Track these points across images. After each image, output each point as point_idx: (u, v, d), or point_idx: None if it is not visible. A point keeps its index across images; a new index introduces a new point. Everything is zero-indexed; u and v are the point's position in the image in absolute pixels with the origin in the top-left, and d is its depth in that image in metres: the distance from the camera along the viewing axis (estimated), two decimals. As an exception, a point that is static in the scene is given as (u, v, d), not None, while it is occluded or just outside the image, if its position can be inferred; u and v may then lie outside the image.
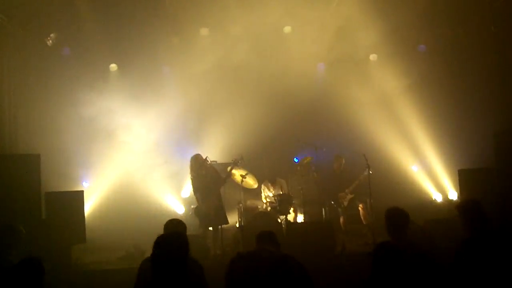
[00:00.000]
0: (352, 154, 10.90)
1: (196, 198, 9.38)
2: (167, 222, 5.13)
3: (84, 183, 11.09)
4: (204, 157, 9.36)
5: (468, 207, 4.65)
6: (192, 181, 9.38)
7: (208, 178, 9.29)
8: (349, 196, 10.51)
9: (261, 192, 10.77)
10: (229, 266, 4.44)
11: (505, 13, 10.77)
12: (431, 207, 11.20)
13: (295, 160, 11.88)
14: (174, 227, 4.99)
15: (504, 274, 4.22)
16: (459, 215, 4.66)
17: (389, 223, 4.73)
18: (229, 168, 9.43)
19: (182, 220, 5.30)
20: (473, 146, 10.75)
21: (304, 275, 4.25)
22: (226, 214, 9.34)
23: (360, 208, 10.28)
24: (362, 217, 10.28)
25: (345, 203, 10.56)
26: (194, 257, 4.75)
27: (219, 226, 9.17)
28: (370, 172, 9.64)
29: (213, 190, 9.24)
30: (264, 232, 5.06)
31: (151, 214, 10.21)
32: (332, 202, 10.63)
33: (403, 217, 4.77)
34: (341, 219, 10.60)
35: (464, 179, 9.72)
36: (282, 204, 9.89)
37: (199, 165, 9.28)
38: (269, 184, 10.72)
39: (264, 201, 10.57)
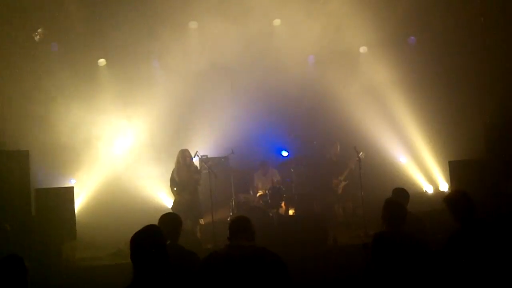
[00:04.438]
0: (343, 147, 10.96)
1: (172, 191, 9.70)
2: (161, 216, 4.96)
3: (71, 181, 10.99)
4: (192, 153, 9.66)
5: (455, 199, 4.65)
6: (172, 172, 9.71)
7: (184, 173, 9.56)
8: (343, 183, 10.57)
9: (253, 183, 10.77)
10: (201, 266, 4.12)
11: (494, 5, 10.79)
12: (422, 199, 11.20)
13: (284, 153, 11.88)
14: (169, 221, 4.87)
15: (493, 264, 4.23)
16: (447, 207, 4.66)
17: (387, 213, 4.71)
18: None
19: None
20: (464, 138, 10.76)
21: (279, 270, 4.01)
22: (201, 209, 9.59)
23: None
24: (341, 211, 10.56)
25: (339, 191, 10.61)
26: (190, 250, 4.76)
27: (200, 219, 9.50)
28: (360, 155, 9.67)
29: (186, 185, 9.52)
30: (235, 223, 4.33)
31: (142, 210, 10.15)
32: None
33: (401, 208, 4.77)
34: (336, 206, 10.63)
35: (454, 170, 9.76)
36: (273, 197, 9.89)
37: (182, 160, 9.58)
38: (261, 176, 10.69)
39: (251, 192, 10.62)
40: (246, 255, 4.00)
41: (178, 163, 9.65)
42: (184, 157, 9.58)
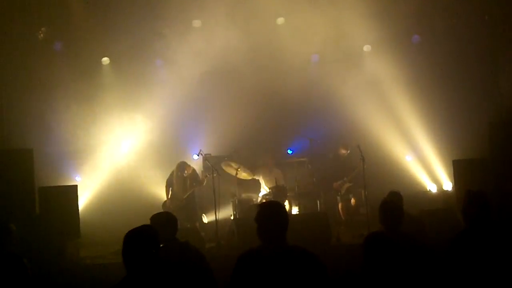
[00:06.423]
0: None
1: (166, 192, 10.12)
2: (153, 216, 4.81)
3: (76, 178, 11.02)
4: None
5: (478, 198, 4.52)
6: (170, 175, 10.14)
7: (179, 184, 9.96)
8: (347, 185, 10.55)
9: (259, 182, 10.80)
10: (238, 265, 3.82)
11: (498, 3, 10.75)
12: (426, 198, 11.19)
13: (289, 151, 11.89)
14: (162, 218, 4.78)
15: (498, 266, 4.21)
16: (466, 204, 4.53)
17: (384, 214, 4.67)
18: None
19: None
20: (468, 137, 10.74)
21: (321, 273, 3.83)
22: (196, 212, 10.14)
23: (352, 200, 10.52)
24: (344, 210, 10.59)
25: (342, 191, 10.60)
26: (194, 246, 4.78)
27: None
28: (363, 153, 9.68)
29: (179, 194, 9.97)
30: (266, 215, 3.86)
31: (146, 208, 10.13)
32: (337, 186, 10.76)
33: (397, 208, 4.71)
34: (340, 205, 10.64)
35: (458, 169, 9.73)
36: (276, 196, 9.88)
37: (177, 173, 10.01)
38: (265, 175, 10.71)
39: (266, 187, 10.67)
40: (287, 257, 3.78)
41: (172, 174, 10.10)
42: (180, 170, 9.99)
